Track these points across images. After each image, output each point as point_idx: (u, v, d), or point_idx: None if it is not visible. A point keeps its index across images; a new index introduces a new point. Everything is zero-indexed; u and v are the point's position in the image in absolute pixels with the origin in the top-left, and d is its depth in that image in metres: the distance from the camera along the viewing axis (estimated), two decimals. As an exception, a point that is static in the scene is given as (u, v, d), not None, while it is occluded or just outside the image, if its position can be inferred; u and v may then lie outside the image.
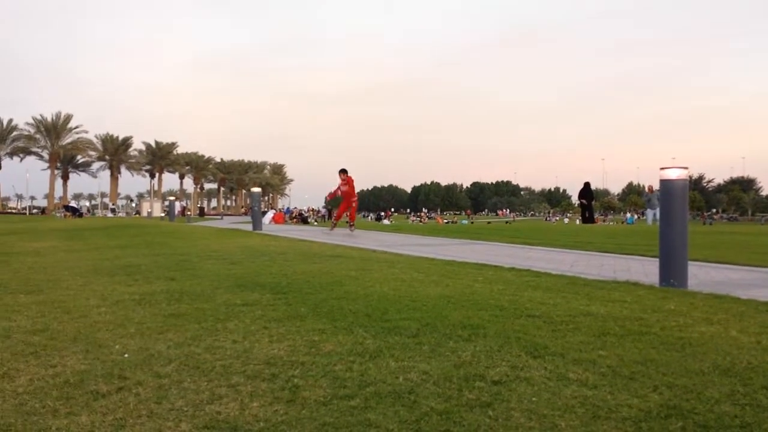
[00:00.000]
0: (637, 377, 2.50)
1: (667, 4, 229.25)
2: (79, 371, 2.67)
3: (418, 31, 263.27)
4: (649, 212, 25.10)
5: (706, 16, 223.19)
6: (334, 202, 17.57)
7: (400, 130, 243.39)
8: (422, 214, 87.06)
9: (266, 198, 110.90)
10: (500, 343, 3.03)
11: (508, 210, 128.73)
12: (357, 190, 16.33)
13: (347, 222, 16.44)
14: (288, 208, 51.78)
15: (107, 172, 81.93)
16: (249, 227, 17.68)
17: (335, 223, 17.30)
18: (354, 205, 16.39)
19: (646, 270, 6.45)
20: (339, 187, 16.03)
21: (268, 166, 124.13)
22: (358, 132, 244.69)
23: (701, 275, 6.02)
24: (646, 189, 26.76)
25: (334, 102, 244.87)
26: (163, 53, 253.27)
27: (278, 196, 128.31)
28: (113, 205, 79.92)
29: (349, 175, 15.96)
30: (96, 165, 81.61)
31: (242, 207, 73.37)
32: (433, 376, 2.52)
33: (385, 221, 40.96)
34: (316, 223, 33.25)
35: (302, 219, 38.12)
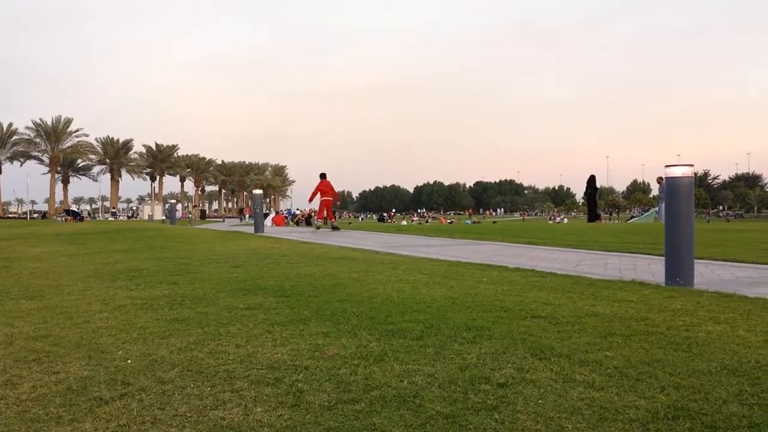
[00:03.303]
0: (644, 378, 2.48)
1: (673, 3, 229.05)
2: (82, 377, 2.66)
3: (421, 30, 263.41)
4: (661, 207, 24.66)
5: (712, 14, 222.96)
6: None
7: (403, 129, 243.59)
8: (426, 214, 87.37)
9: (268, 200, 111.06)
10: (505, 344, 3.02)
11: (502, 210, 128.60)
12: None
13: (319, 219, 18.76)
14: (290, 210, 51.68)
15: (108, 176, 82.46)
16: (250, 229, 17.68)
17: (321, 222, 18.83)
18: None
19: (651, 269, 6.42)
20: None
21: (270, 168, 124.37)
22: (360, 132, 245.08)
23: (707, 273, 5.99)
24: (656, 182, 26.12)
25: (335, 102, 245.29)
26: (164, 56, 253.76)
27: (280, 197, 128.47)
28: (114, 208, 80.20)
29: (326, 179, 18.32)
30: (96, 168, 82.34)
31: (241, 208, 71.64)
32: (438, 379, 2.50)
33: (403, 222, 41.10)
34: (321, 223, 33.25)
35: (306, 221, 38.07)
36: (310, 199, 18.55)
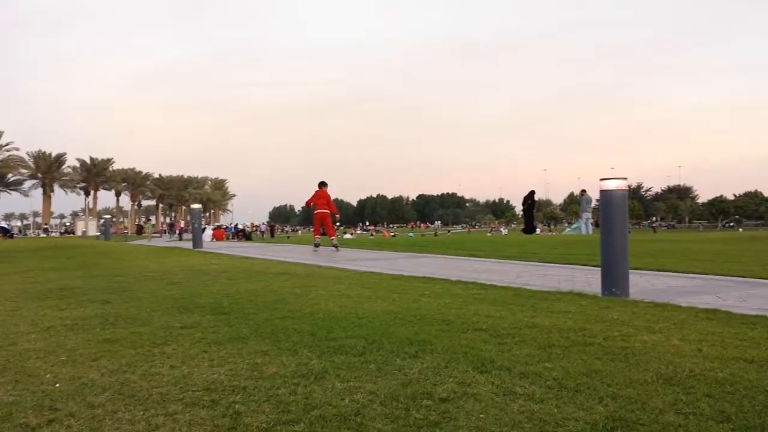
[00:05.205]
0: (583, 389, 2.51)
1: (604, 23, 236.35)
2: (8, 403, 2.53)
3: (362, 44, 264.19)
4: (583, 220, 25.40)
5: (638, 31, 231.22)
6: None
7: (345, 143, 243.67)
8: (371, 227, 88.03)
9: (207, 214, 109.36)
10: (447, 358, 3.01)
11: (439, 222, 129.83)
12: (302, 204, 15.97)
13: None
14: (231, 225, 50.94)
15: (39, 191, 79.83)
16: (188, 245, 17.32)
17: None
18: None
19: (588, 279, 6.56)
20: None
21: (209, 182, 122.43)
22: (302, 146, 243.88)
23: (642, 283, 6.15)
24: (580, 194, 26.85)
25: (277, 116, 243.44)
26: (100, 69, 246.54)
27: (220, 211, 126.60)
28: (46, 224, 77.75)
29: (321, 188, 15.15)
30: (28, 183, 79.51)
31: (171, 223, 64.59)
32: (380, 396, 2.47)
33: (346, 235, 41.21)
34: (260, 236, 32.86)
35: (245, 235, 37.66)
36: (307, 204, 15.40)
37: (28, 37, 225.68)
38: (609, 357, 3.00)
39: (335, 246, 14.49)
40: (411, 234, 54.75)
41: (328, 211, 15.00)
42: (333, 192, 14.91)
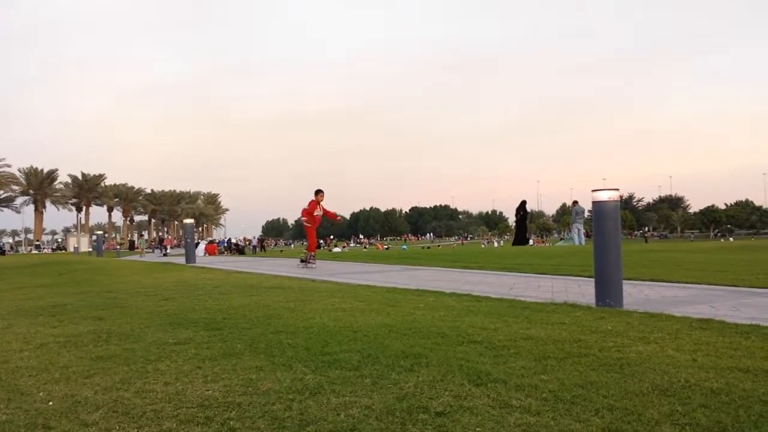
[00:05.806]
0: (579, 401, 2.50)
1: (595, 31, 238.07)
2: (0, 422, 2.51)
3: (356, 56, 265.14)
4: (574, 231, 25.61)
5: (633, 41, 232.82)
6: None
7: (338, 156, 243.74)
8: (364, 240, 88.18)
9: (200, 229, 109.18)
10: (443, 372, 3.00)
11: (431, 234, 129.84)
12: (296, 217, 15.23)
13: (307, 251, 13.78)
14: (224, 240, 50.83)
15: (31, 207, 79.59)
16: (177, 260, 17.26)
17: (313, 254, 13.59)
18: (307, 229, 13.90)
19: (582, 290, 6.56)
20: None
21: (202, 196, 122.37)
22: (294, 159, 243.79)
23: (636, 294, 6.16)
24: (572, 205, 27.09)
25: (269, 130, 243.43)
26: (92, 83, 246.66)
27: (213, 226, 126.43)
28: (38, 240, 77.54)
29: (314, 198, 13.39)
30: (19, 200, 79.38)
31: (161, 238, 64.00)
32: (375, 410, 2.45)
33: (336, 249, 41.14)
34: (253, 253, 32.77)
35: (238, 249, 37.62)
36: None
37: (22, 49, 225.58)
38: (604, 368, 3.00)
39: (302, 260, 13.29)
40: (404, 246, 54.77)
41: (310, 225, 13.57)
42: (327, 205, 13.67)
